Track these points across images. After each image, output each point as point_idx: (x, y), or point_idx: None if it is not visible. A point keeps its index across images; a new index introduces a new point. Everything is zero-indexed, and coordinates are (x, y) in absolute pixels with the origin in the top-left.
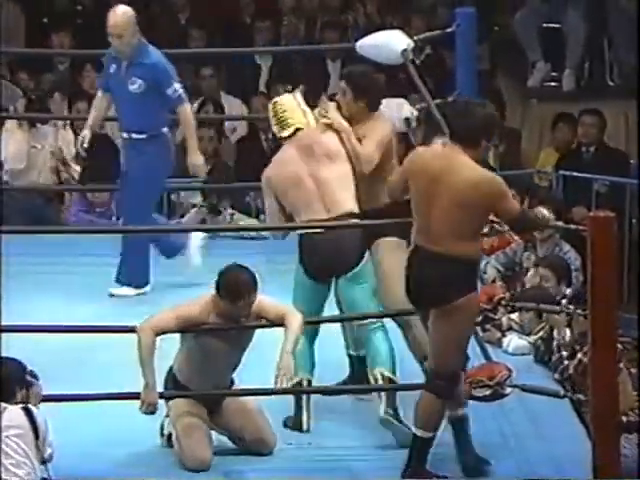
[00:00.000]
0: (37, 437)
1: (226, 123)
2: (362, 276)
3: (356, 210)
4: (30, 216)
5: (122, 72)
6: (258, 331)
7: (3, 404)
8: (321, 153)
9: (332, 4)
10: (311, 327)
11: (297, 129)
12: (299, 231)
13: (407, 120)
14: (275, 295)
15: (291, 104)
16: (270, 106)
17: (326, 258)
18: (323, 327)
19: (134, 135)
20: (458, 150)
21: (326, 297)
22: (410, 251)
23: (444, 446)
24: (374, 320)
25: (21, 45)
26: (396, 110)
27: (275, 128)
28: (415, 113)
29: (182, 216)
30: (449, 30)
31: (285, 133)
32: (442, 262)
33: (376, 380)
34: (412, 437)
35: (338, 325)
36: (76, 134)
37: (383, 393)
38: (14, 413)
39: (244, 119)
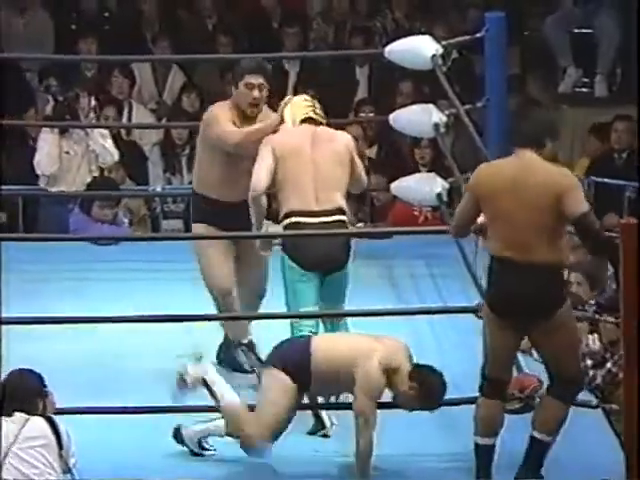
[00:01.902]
0: (61, 447)
1: None
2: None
3: (345, 208)
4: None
5: None
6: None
7: (26, 415)
8: (329, 150)
9: (360, 10)
10: (311, 326)
11: (313, 119)
12: (285, 220)
13: (436, 126)
14: None
15: (318, 105)
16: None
17: (315, 252)
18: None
19: None
20: (524, 153)
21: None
22: (500, 265)
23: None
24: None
25: (50, 51)
26: (425, 116)
27: (296, 111)
28: (444, 119)
29: None
30: (479, 35)
31: (303, 117)
32: (544, 270)
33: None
34: (531, 441)
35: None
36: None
37: None
38: (38, 423)
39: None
